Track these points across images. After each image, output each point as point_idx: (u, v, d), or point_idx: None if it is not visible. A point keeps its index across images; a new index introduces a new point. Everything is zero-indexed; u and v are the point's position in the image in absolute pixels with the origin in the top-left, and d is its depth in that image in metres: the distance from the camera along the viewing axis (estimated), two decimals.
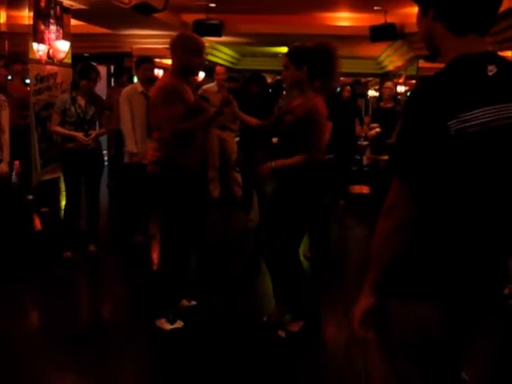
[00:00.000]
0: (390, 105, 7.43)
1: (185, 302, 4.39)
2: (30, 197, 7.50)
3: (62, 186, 7.65)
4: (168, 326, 3.97)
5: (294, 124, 3.69)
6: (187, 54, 3.85)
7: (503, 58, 1.66)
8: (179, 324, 4.00)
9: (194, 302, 4.43)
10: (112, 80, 11.52)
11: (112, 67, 11.89)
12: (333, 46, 3.72)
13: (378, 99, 9.04)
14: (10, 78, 6.97)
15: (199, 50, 3.91)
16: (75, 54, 7.20)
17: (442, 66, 1.66)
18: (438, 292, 1.66)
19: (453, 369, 1.83)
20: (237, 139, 7.36)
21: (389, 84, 7.77)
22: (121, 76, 8.82)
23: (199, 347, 3.84)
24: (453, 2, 1.63)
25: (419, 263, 1.68)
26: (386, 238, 1.67)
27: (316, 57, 3.67)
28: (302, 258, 4.49)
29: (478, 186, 1.60)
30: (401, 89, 12.95)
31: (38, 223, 7.09)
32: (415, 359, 1.73)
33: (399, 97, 11.88)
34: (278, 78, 7.30)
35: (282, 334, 3.92)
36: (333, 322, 4.38)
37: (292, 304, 4.04)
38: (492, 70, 1.59)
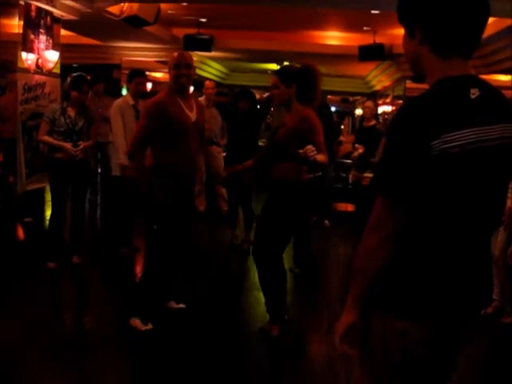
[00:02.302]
0: (371, 123, 7.56)
1: (173, 304, 4.45)
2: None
3: (47, 196, 7.65)
4: (141, 327, 4.07)
5: (287, 134, 3.88)
6: (169, 70, 4.06)
7: (485, 82, 1.70)
8: (149, 326, 4.10)
9: (182, 306, 4.50)
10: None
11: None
12: (316, 67, 4.04)
13: (361, 119, 9.15)
14: None
15: (176, 65, 4.02)
16: (64, 65, 7.20)
17: (427, 87, 1.70)
18: (420, 308, 1.68)
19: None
20: (223, 154, 7.37)
21: (368, 103, 7.93)
22: (95, 84, 8.54)
23: (185, 353, 3.88)
24: (438, 26, 1.67)
25: (402, 280, 1.70)
26: (369, 255, 1.70)
27: (303, 76, 3.94)
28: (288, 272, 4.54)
29: (459, 203, 1.63)
30: (388, 108, 13.08)
31: (20, 233, 7.04)
32: (398, 376, 1.74)
33: (385, 116, 12.02)
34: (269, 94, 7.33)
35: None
36: (316, 337, 4.38)
37: (275, 309, 4.15)
38: (475, 93, 1.63)
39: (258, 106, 7.10)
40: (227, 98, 7.84)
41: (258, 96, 11.09)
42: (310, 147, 3.63)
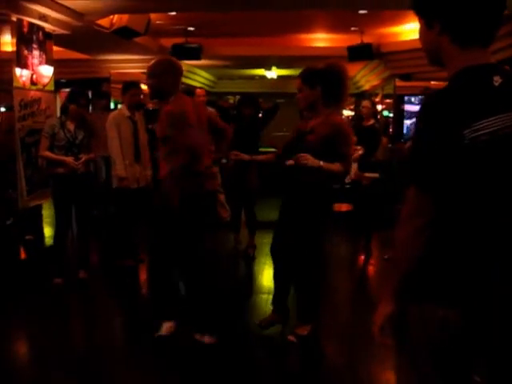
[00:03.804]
0: (370, 122, 7.57)
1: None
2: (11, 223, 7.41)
3: (45, 213, 7.62)
4: (209, 340, 3.98)
5: (318, 142, 3.80)
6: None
7: (505, 69, 1.74)
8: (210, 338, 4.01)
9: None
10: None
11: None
12: (343, 66, 3.90)
13: (358, 118, 9.18)
14: None
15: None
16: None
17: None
18: (455, 295, 1.70)
19: (469, 371, 1.86)
20: (224, 161, 7.36)
21: (366, 103, 7.91)
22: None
23: (196, 361, 3.85)
24: (459, 17, 1.70)
25: (437, 267, 1.72)
26: (405, 245, 1.72)
27: (329, 77, 3.83)
28: None
29: (491, 190, 1.66)
30: (378, 107, 13.13)
31: (22, 252, 7.00)
32: (438, 361, 1.76)
33: (379, 116, 12.08)
34: (277, 101, 7.32)
35: (292, 338, 4.07)
36: (320, 335, 4.35)
37: (306, 307, 4.14)
38: (497, 80, 1.67)
39: (261, 113, 7.08)
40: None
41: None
42: (300, 156, 3.72)
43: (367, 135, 7.42)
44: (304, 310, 4.16)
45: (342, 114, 4.02)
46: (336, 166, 3.78)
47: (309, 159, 3.74)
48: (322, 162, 3.75)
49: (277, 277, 4.26)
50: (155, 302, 4.23)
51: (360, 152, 7.37)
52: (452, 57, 1.74)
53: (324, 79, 3.82)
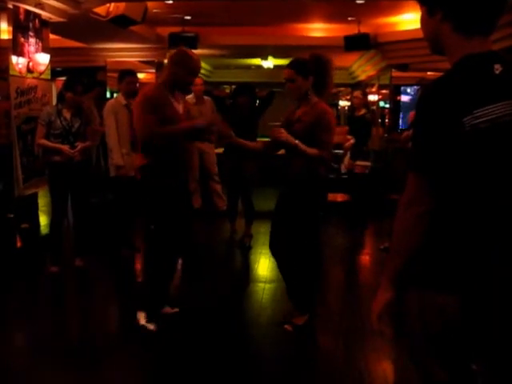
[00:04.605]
0: (361, 113, 7.63)
1: (168, 310, 4.42)
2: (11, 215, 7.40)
3: (40, 202, 7.61)
4: (145, 323, 4.10)
5: (304, 130, 3.87)
6: (183, 69, 3.96)
7: (506, 58, 1.74)
8: (153, 326, 4.10)
9: (176, 310, 4.45)
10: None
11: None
12: (329, 56, 4.00)
13: (352, 109, 9.21)
14: None
15: (195, 70, 4.04)
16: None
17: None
18: (454, 282, 1.71)
19: (467, 359, 1.88)
20: (221, 150, 7.36)
21: (357, 93, 7.98)
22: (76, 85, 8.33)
23: (193, 352, 3.86)
24: (461, 4, 1.70)
25: (436, 254, 1.73)
26: (405, 233, 1.73)
27: (319, 67, 3.92)
28: None
29: (491, 177, 1.67)
30: (374, 98, 13.14)
31: (17, 240, 6.99)
32: (436, 347, 1.77)
33: (372, 107, 12.10)
34: (273, 89, 7.28)
35: (288, 327, 4.13)
36: (316, 326, 4.34)
37: (302, 298, 4.18)
38: (498, 68, 1.68)
39: (258, 102, 7.06)
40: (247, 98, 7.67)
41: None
42: (275, 130, 3.85)
43: (358, 125, 7.53)
44: (301, 300, 4.19)
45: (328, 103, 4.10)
46: (313, 150, 3.83)
47: (283, 133, 3.83)
48: (297, 141, 3.82)
49: (283, 272, 4.27)
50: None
51: (352, 141, 7.44)
52: (453, 45, 1.74)
53: (316, 69, 3.90)
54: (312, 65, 3.91)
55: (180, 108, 4.08)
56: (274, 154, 4.26)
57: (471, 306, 1.72)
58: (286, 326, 4.14)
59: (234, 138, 4.26)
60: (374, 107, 12.97)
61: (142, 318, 4.13)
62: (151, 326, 4.09)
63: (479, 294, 1.71)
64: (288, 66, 3.99)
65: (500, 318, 1.73)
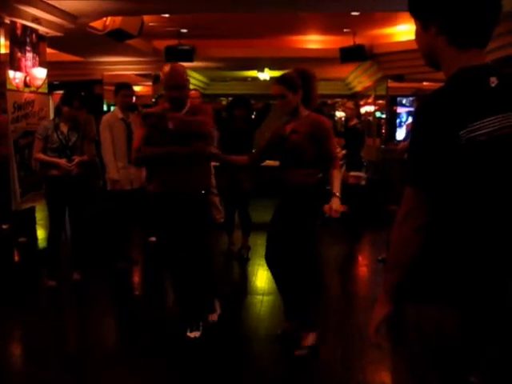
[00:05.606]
0: (353, 122, 7.69)
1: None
2: (5, 226, 7.41)
3: (38, 216, 7.60)
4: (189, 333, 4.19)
5: (302, 140, 3.87)
6: (163, 85, 4.08)
7: (502, 70, 1.75)
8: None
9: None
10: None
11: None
12: (312, 71, 4.07)
13: (346, 119, 9.30)
14: None
15: (168, 83, 4.03)
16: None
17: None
18: (452, 295, 1.71)
19: (465, 371, 1.87)
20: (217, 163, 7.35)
21: (349, 104, 8.08)
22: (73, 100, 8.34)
23: (191, 368, 3.82)
24: (456, 18, 1.71)
25: (433, 267, 1.73)
26: (402, 246, 1.73)
27: (305, 81, 3.96)
28: None
29: (489, 190, 1.67)
30: (370, 108, 13.19)
31: (15, 254, 6.99)
32: (433, 360, 1.77)
33: (368, 118, 12.14)
34: (269, 102, 7.32)
35: (300, 353, 3.95)
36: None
37: (304, 317, 4.11)
38: (494, 81, 1.68)
39: (253, 114, 7.08)
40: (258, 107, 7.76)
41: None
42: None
43: (350, 135, 7.58)
44: (304, 317, 4.11)
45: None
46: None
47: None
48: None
49: (279, 286, 4.24)
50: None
51: (343, 152, 7.48)
52: (448, 58, 1.74)
53: (304, 83, 3.94)
54: (298, 79, 3.95)
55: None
56: (258, 166, 4.29)
57: (469, 318, 1.72)
58: (296, 353, 3.95)
59: (219, 154, 4.34)
60: (371, 118, 13.02)
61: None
62: (196, 334, 4.19)
63: (477, 307, 1.71)
64: (277, 81, 3.99)
65: (498, 330, 1.74)
